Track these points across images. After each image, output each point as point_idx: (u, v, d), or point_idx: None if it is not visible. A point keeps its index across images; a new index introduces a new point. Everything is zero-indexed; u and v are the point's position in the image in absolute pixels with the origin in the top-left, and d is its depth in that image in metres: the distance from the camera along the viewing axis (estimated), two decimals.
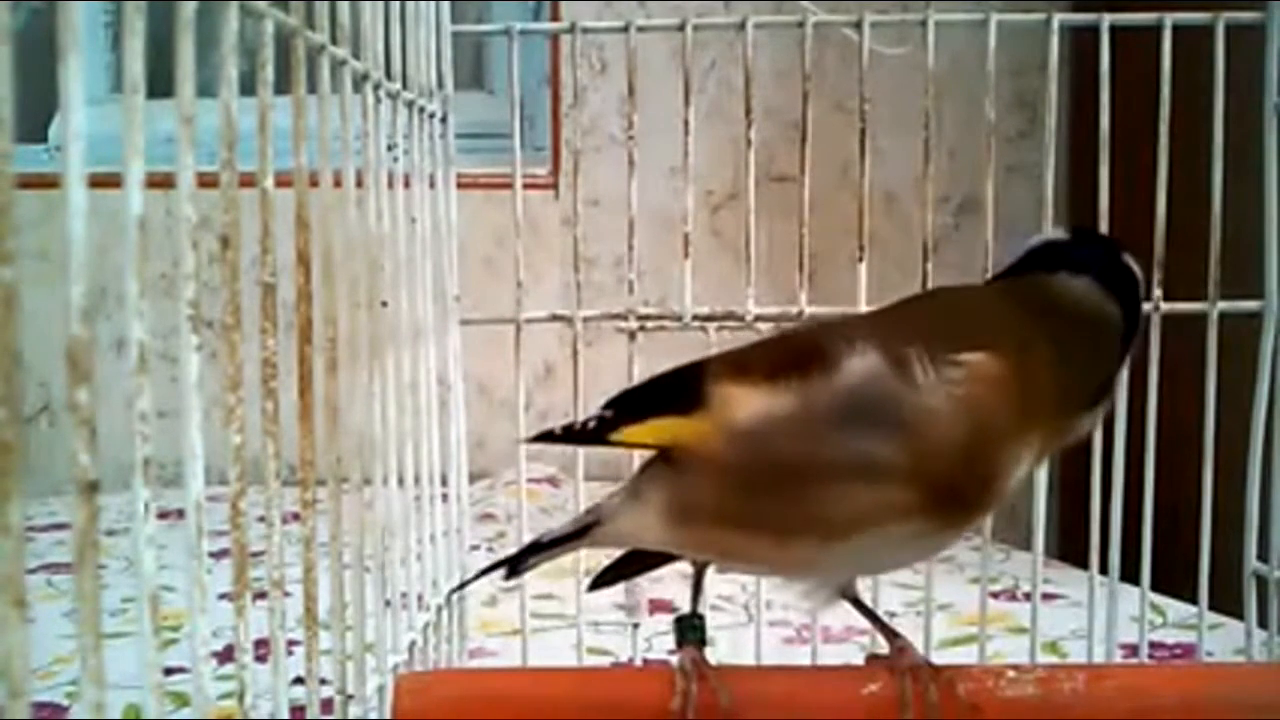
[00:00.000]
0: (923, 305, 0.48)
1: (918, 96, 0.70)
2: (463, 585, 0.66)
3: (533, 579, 0.80)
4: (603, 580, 0.56)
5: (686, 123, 0.72)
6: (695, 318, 0.73)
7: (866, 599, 0.52)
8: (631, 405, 0.47)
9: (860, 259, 0.71)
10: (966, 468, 0.41)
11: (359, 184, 0.53)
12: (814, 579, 0.49)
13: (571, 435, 0.47)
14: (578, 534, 0.52)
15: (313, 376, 0.44)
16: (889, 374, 0.42)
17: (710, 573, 0.52)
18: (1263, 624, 0.71)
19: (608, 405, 0.47)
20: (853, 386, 0.42)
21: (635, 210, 0.72)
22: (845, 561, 0.45)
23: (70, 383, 0.26)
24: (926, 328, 0.44)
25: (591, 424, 0.47)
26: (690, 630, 0.49)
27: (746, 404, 0.43)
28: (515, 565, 0.54)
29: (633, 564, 0.55)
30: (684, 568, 0.65)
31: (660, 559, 0.53)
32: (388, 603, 0.57)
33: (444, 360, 0.73)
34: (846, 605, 0.51)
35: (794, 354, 0.44)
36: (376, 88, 0.57)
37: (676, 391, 0.46)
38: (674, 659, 0.47)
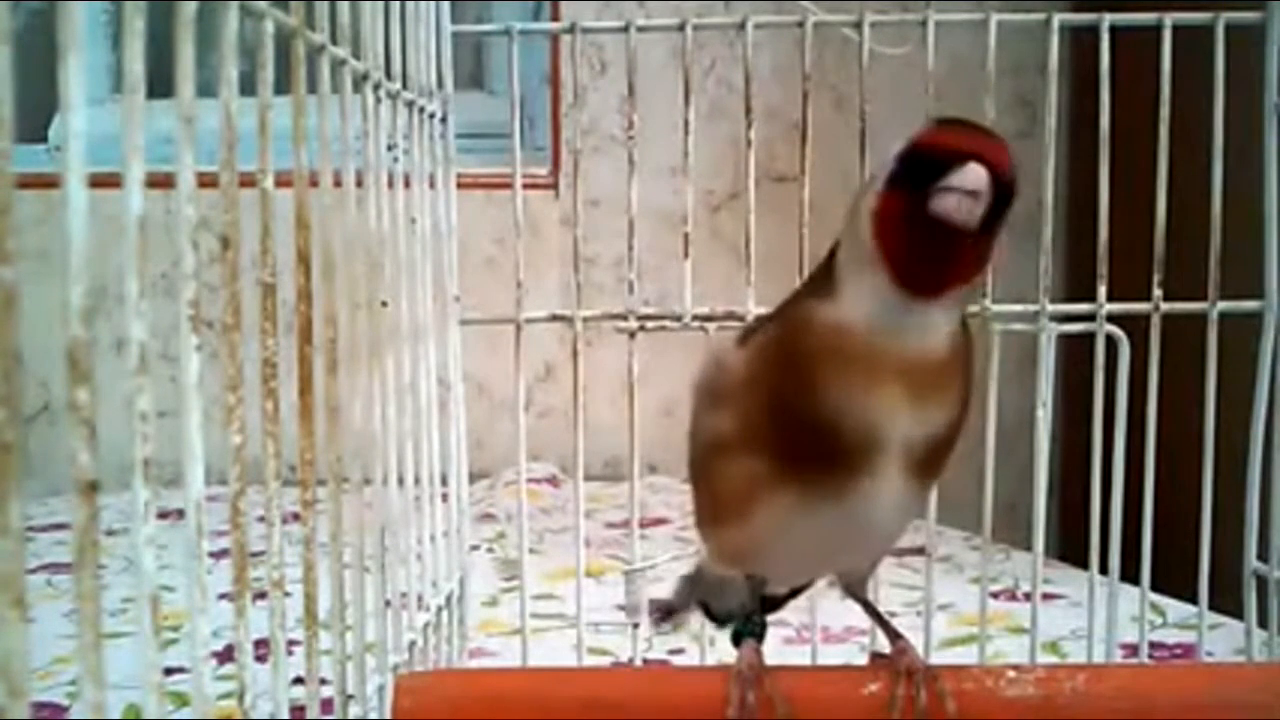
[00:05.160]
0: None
1: (918, 96, 0.70)
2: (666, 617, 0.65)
3: (533, 579, 0.80)
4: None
5: (686, 123, 0.72)
6: (695, 318, 0.73)
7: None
8: None
9: None
10: (779, 428, 0.42)
11: (359, 184, 0.53)
12: (783, 570, 0.52)
13: None
14: (696, 568, 0.59)
15: (313, 376, 0.44)
16: (712, 364, 0.46)
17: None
18: (1263, 624, 0.71)
19: None
20: (698, 380, 0.47)
21: (635, 210, 0.72)
22: (788, 547, 0.46)
23: (70, 383, 0.26)
24: (766, 318, 0.48)
25: None
26: (748, 627, 0.49)
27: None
28: (670, 614, 0.63)
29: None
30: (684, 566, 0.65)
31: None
32: (388, 603, 0.57)
33: (444, 360, 0.73)
34: (855, 605, 0.51)
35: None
36: (376, 88, 0.57)
37: None
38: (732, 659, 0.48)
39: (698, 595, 0.60)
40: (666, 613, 0.63)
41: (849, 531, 0.45)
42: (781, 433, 0.42)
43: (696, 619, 0.63)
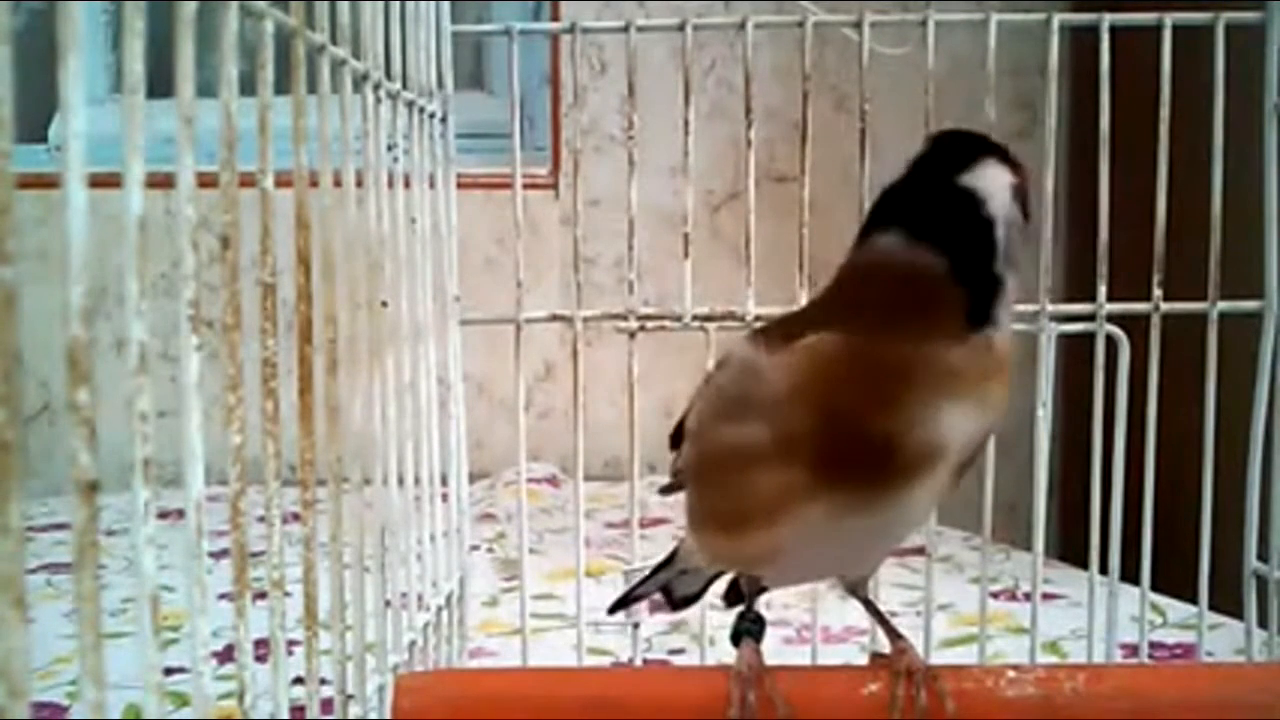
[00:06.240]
0: (812, 299, 0.49)
1: (918, 96, 0.70)
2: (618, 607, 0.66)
3: (533, 579, 0.80)
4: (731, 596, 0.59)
5: (687, 123, 0.72)
6: (695, 318, 0.73)
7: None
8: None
9: None
10: (828, 439, 0.41)
11: (359, 184, 0.53)
12: (788, 574, 0.51)
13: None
14: (669, 559, 0.59)
15: (313, 376, 0.44)
16: (742, 366, 0.45)
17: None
18: (1263, 624, 0.71)
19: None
20: (720, 383, 0.46)
21: (635, 210, 0.72)
22: (804, 554, 0.46)
23: (70, 383, 0.26)
24: (794, 319, 0.47)
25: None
26: (748, 628, 0.49)
27: (691, 411, 0.49)
28: (626, 602, 0.63)
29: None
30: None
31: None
32: (388, 603, 0.57)
33: (444, 360, 0.73)
34: (855, 604, 0.52)
35: (718, 362, 0.49)
36: (376, 88, 0.57)
37: None
38: (731, 659, 0.48)
39: (660, 581, 0.60)
40: (625, 602, 0.64)
41: (876, 538, 0.45)
42: (832, 445, 0.41)
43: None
